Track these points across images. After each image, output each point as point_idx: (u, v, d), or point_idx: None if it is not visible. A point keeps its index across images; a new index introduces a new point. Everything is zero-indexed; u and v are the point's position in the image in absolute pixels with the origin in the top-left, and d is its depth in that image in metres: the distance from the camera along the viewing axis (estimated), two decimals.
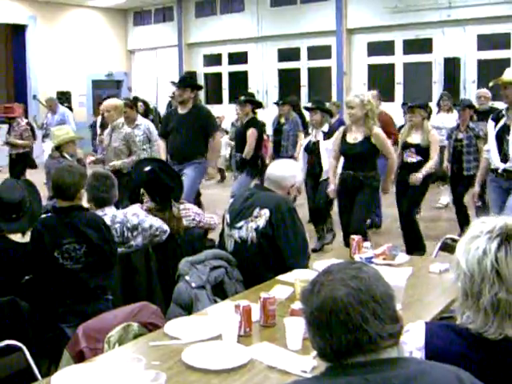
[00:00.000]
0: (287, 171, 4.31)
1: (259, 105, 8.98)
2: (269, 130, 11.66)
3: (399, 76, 15.61)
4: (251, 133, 8.53)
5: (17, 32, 20.02)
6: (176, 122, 7.44)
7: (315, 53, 17.10)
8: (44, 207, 4.84)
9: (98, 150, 10.61)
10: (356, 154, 6.38)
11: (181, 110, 7.40)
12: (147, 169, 5.03)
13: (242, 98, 8.87)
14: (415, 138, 7.21)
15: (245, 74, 18.66)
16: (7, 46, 21.77)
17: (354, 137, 6.39)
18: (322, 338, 1.76)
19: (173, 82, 7.56)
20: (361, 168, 6.37)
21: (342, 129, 6.71)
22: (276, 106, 11.15)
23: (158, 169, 5.03)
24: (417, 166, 7.04)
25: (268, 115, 12.63)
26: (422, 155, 7.13)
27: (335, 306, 1.73)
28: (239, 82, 18.72)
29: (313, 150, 7.83)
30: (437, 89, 14.62)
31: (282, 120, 10.63)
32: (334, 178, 6.79)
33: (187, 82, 7.49)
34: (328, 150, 7.47)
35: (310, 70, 17.34)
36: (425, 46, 15.20)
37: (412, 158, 7.15)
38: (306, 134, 8.16)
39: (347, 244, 6.07)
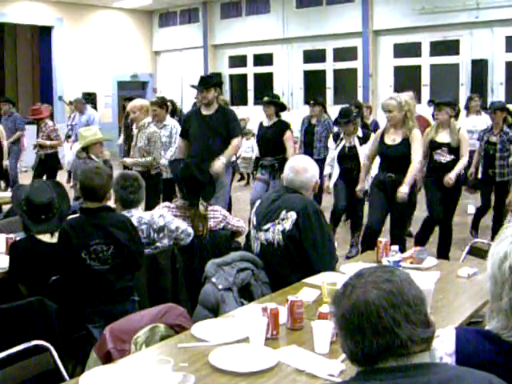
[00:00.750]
0: (309, 171, 4.27)
1: (283, 107, 8.80)
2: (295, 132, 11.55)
3: (426, 78, 15.50)
4: (289, 136, 8.34)
5: (43, 33, 20.16)
6: (199, 123, 7.19)
7: (341, 54, 17.04)
8: (71, 208, 4.88)
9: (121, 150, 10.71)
10: (395, 155, 6.32)
11: (205, 111, 7.15)
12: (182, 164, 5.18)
13: (266, 98, 8.69)
14: (444, 137, 7.04)
15: (270, 75, 18.65)
16: (33, 48, 21.95)
17: (393, 138, 6.36)
18: (353, 341, 1.75)
19: (193, 86, 7.35)
20: (400, 170, 6.29)
21: (380, 130, 6.68)
22: (307, 106, 11.02)
23: (192, 164, 5.17)
24: (450, 167, 6.85)
25: (293, 117, 12.60)
26: (454, 154, 6.97)
27: (367, 309, 1.71)
28: (264, 83, 18.71)
29: (349, 156, 7.72)
30: (464, 91, 14.51)
31: (314, 121, 10.53)
32: (366, 178, 6.77)
33: (209, 82, 7.20)
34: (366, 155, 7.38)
35: (336, 72, 17.28)
36: (452, 47, 15.08)
37: (445, 158, 6.96)
38: (337, 138, 8.01)
39: (368, 246, 6.08)
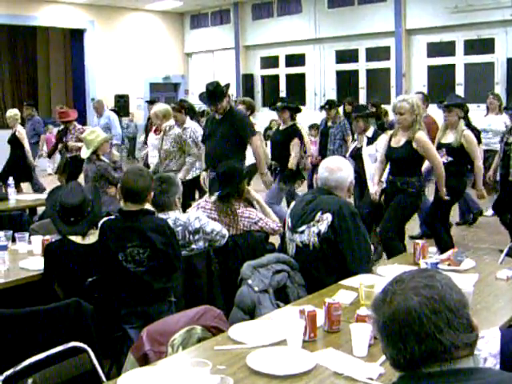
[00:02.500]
0: (343, 171, 4.24)
1: (297, 110, 8.79)
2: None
3: (460, 77, 15.32)
4: (295, 142, 8.34)
5: (75, 36, 20.37)
6: (212, 127, 7.25)
7: (374, 54, 16.94)
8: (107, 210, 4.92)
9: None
10: (396, 158, 6.20)
11: (217, 115, 7.18)
12: None
13: (279, 104, 8.70)
14: (448, 138, 6.99)
15: (302, 76, 18.60)
16: (66, 50, 22.17)
17: (398, 140, 6.19)
18: (394, 347, 1.73)
19: (202, 100, 7.30)
20: (401, 173, 6.15)
21: (390, 132, 6.54)
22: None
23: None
24: (447, 168, 6.55)
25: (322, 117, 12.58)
26: (453, 156, 6.89)
27: (408, 316, 1.69)
28: (296, 84, 18.69)
29: (358, 156, 7.60)
30: (499, 90, 14.29)
31: (330, 123, 10.55)
32: (379, 181, 6.62)
33: (216, 95, 7.04)
34: (371, 156, 7.33)
35: (369, 72, 17.18)
36: (487, 46, 14.88)
37: (442, 159, 6.70)
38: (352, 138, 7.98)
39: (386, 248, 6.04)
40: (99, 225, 4.26)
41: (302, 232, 4.10)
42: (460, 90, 15.08)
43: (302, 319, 2.91)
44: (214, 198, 5.03)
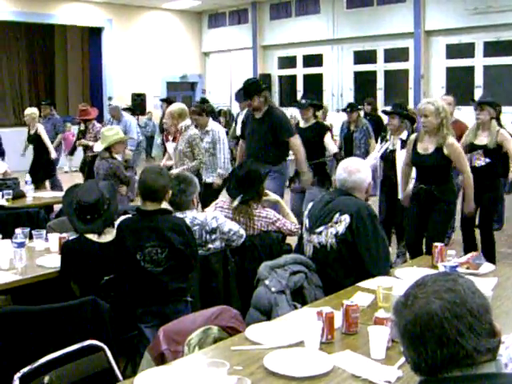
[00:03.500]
0: (361, 173, 4.21)
1: (320, 107, 8.75)
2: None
3: (479, 79, 15.21)
4: (329, 137, 8.21)
5: (93, 34, 20.42)
6: (251, 126, 7.29)
7: (392, 55, 16.88)
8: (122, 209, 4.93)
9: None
10: (428, 166, 5.89)
11: (256, 115, 7.22)
12: None
13: (304, 101, 8.64)
14: (483, 139, 6.70)
15: (320, 76, 18.56)
16: (83, 49, 22.26)
17: (426, 147, 5.87)
18: (415, 351, 1.71)
19: (237, 99, 7.37)
20: (434, 181, 5.88)
21: (413, 137, 6.19)
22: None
23: (246, 161, 5.40)
24: (485, 170, 6.50)
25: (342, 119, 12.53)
26: (490, 157, 6.63)
27: (430, 321, 1.67)
28: (314, 84, 18.65)
29: (389, 159, 7.36)
30: None
31: (352, 127, 10.42)
32: (407, 185, 6.38)
33: (249, 91, 7.16)
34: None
35: (387, 73, 17.11)
36: (507, 48, 14.77)
37: (480, 161, 6.61)
38: (383, 139, 7.75)
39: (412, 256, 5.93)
40: (116, 224, 4.27)
41: (320, 233, 4.08)
42: (479, 93, 14.96)
43: (319, 321, 2.89)
44: (236, 202, 4.98)
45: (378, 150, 7.78)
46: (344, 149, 10.32)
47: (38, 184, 9.87)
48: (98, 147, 7.08)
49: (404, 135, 7.26)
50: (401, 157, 6.92)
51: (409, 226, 6.30)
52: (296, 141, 7.18)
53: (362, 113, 11.14)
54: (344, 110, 10.87)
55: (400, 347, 2.69)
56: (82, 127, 10.97)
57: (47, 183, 10.94)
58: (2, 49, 21.55)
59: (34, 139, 10.95)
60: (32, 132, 11.05)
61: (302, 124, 8.31)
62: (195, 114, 8.31)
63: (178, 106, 8.03)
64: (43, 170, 10.78)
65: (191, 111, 8.40)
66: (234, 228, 4.71)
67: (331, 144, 8.18)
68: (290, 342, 2.87)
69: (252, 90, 7.13)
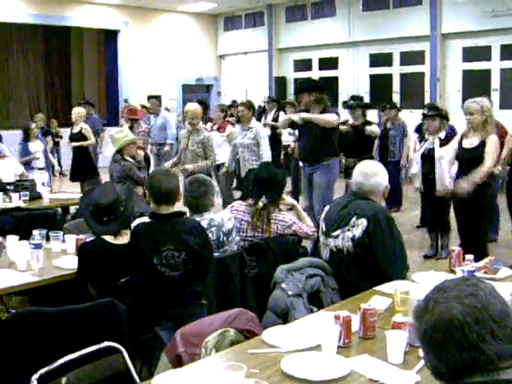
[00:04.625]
0: (378, 176, 4.19)
1: (369, 107, 8.91)
2: None
3: (495, 82, 15.12)
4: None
5: (109, 37, 20.48)
6: (305, 125, 7.51)
7: (408, 58, 16.79)
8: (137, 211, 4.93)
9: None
10: (471, 159, 6.22)
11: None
12: None
13: (352, 102, 8.81)
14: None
15: (335, 79, 18.51)
16: (99, 51, 22.32)
17: (471, 142, 6.26)
18: (436, 357, 1.70)
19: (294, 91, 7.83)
20: None
21: (460, 133, 6.60)
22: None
23: (262, 164, 5.55)
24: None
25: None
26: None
27: (450, 325, 1.66)
28: (330, 87, 18.59)
29: (428, 157, 7.64)
30: None
31: (389, 125, 10.59)
32: (449, 180, 6.68)
33: (299, 88, 7.59)
34: (439, 158, 7.30)
35: (403, 76, 17.04)
36: None
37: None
38: (422, 139, 7.96)
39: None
40: (132, 229, 4.26)
41: (337, 236, 4.07)
42: (495, 96, 14.91)
43: (336, 324, 2.88)
44: (261, 204, 4.99)
45: (418, 149, 8.04)
46: (379, 144, 10.51)
47: (82, 184, 9.98)
48: (110, 151, 7.12)
49: (442, 134, 7.66)
50: (439, 153, 7.33)
51: (457, 220, 6.68)
52: (333, 115, 7.39)
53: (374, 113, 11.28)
54: (382, 108, 11.04)
55: (418, 352, 2.70)
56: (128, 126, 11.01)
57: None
58: (19, 51, 21.68)
59: (77, 138, 11.00)
60: (76, 131, 11.15)
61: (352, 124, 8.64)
62: (244, 106, 8.64)
63: (198, 105, 8.38)
64: (85, 169, 10.87)
65: (241, 103, 8.72)
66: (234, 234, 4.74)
67: (372, 127, 8.72)
68: (307, 346, 2.87)
69: (302, 87, 7.57)
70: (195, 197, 4.56)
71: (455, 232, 7.76)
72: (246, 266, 4.62)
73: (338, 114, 7.64)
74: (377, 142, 10.32)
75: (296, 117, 7.39)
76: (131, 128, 10.43)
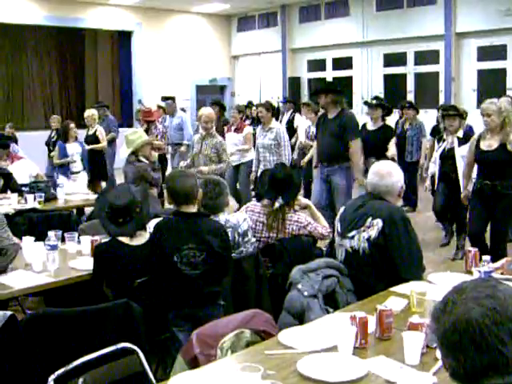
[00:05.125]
0: (393, 177, 4.17)
1: (390, 111, 8.88)
2: None
3: (511, 82, 15.03)
4: (394, 143, 8.63)
5: (123, 38, 20.51)
6: (323, 125, 7.65)
7: (422, 58, 16.71)
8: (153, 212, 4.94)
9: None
10: (492, 161, 6.21)
11: (329, 115, 7.57)
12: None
13: (374, 101, 8.78)
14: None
15: (349, 79, 18.46)
16: (113, 52, 22.39)
17: (489, 144, 6.23)
18: (454, 358, 1.69)
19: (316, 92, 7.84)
20: (498, 177, 6.20)
21: (476, 135, 6.55)
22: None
23: (277, 165, 5.44)
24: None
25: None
26: None
27: (469, 327, 1.65)
28: (343, 87, 18.49)
29: (448, 157, 7.63)
30: None
31: (407, 125, 10.58)
32: (468, 184, 6.69)
33: (318, 90, 7.67)
34: (464, 157, 7.30)
35: (417, 76, 16.97)
36: None
37: None
38: (440, 139, 7.96)
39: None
40: (152, 226, 4.28)
41: (352, 237, 4.05)
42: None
43: (353, 325, 2.87)
44: (277, 204, 5.00)
45: (436, 150, 8.02)
46: (396, 145, 10.44)
47: (93, 185, 9.98)
48: (124, 152, 7.13)
49: (460, 133, 7.67)
50: (460, 152, 7.37)
51: (472, 222, 6.61)
52: (355, 145, 7.41)
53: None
54: (402, 107, 10.99)
55: (435, 353, 2.69)
56: (144, 128, 11.00)
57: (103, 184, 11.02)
58: (33, 52, 21.78)
59: (92, 140, 11.00)
60: (91, 133, 11.18)
61: (369, 126, 8.60)
62: (263, 107, 8.70)
63: (210, 109, 8.47)
64: (98, 170, 10.91)
65: (259, 104, 8.77)
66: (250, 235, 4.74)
67: (392, 148, 8.55)
68: (323, 347, 2.86)
69: (321, 89, 7.66)
70: (210, 197, 4.56)
71: None
72: (261, 266, 4.61)
73: (357, 125, 7.70)
74: (393, 140, 10.32)
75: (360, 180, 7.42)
76: (147, 130, 10.43)
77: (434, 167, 7.98)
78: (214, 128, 8.11)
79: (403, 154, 10.33)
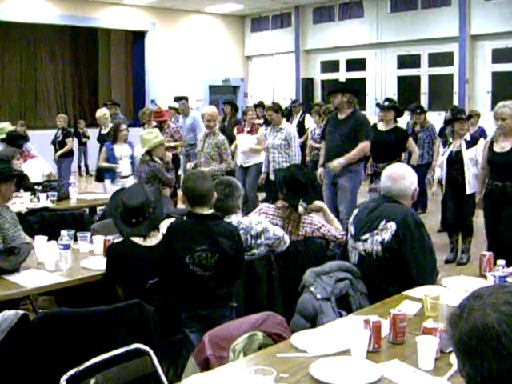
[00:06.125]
0: (407, 179, 4.14)
1: (401, 113, 8.85)
2: None
3: None
4: (411, 141, 8.65)
5: (136, 38, 20.56)
6: (333, 126, 7.55)
7: (436, 60, 16.66)
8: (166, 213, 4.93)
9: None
10: (504, 163, 6.23)
11: (339, 116, 7.48)
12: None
13: (386, 103, 8.76)
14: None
15: (363, 80, 18.41)
16: (127, 52, 22.46)
17: (502, 146, 6.25)
18: (471, 365, 1.66)
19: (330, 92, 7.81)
20: (508, 178, 6.23)
21: (489, 138, 6.58)
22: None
23: (294, 167, 5.37)
24: None
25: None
26: None
27: (486, 333, 1.62)
28: (357, 88, 18.46)
29: (455, 160, 7.58)
30: None
31: (417, 128, 10.55)
32: (482, 188, 6.68)
33: (334, 89, 7.57)
34: (471, 160, 7.37)
35: (431, 78, 16.91)
36: None
37: None
38: (446, 143, 7.93)
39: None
40: (164, 227, 4.27)
41: (366, 240, 4.03)
42: None
43: (366, 329, 2.85)
44: (301, 208, 4.99)
45: (442, 154, 7.94)
46: None
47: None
48: (139, 152, 7.13)
49: (467, 136, 7.64)
50: (468, 155, 7.39)
51: (487, 225, 6.65)
52: (365, 146, 7.34)
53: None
54: (413, 111, 10.95)
55: (449, 358, 2.67)
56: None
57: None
58: (47, 52, 21.89)
59: (106, 140, 10.31)
60: (104, 132, 11.07)
61: (380, 126, 8.55)
62: (272, 110, 8.62)
63: (214, 108, 8.45)
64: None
65: (268, 107, 8.76)
66: (278, 233, 4.68)
67: (416, 148, 8.69)
68: (336, 350, 2.84)
69: (337, 88, 7.58)
70: (219, 199, 4.55)
71: (477, 237, 7.85)
72: (273, 268, 4.59)
73: (369, 126, 7.67)
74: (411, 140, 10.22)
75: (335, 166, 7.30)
76: (160, 130, 10.39)
77: (440, 172, 7.90)
78: (218, 126, 8.11)
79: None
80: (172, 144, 10.28)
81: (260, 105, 14.61)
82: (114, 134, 9.07)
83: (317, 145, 10.79)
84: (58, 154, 12.80)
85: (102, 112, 11.33)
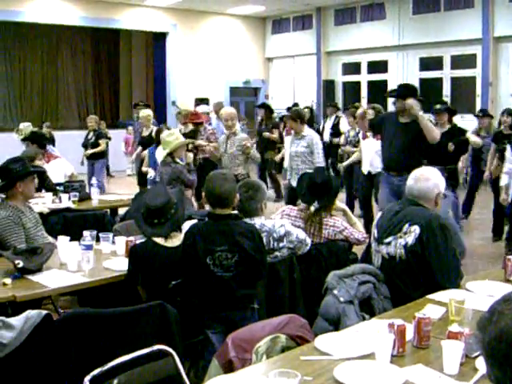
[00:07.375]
0: (429, 181, 4.09)
1: (454, 113, 8.78)
2: None
3: None
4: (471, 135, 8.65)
5: (158, 39, 20.63)
6: (394, 129, 7.21)
7: (459, 62, 16.57)
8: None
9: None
10: None
11: (402, 119, 7.16)
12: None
13: (439, 106, 8.66)
14: None
15: (384, 82, 18.34)
16: (148, 53, 22.55)
17: None
18: (500, 369, 1.64)
19: (391, 94, 7.62)
20: None
21: None
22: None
23: (315, 169, 5.46)
24: None
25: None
26: None
27: None
28: (378, 91, 18.42)
29: None
30: None
31: (482, 133, 10.27)
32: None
33: (404, 93, 7.23)
34: None
35: (453, 80, 16.82)
36: None
37: None
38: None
39: None
40: (185, 228, 4.27)
41: (389, 243, 4.00)
42: None
43: (391, 333, 2.82)
44: (312, 208, 4.98)
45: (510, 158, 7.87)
46: (471, 155, 10.19)
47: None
48: (160, 154, 7.14)
49: None
50: None
51: None
52: (438, 133, 7.09)
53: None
54: (476, 115, 10.81)
55: (474, 363, 2.64)
56: (186, 130, 10.88)
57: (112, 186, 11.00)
58: (69, 53, 22.04)
59: (149, 142, 10.29)
60: (146, 134, 10.89)
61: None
62: (289, 118, 8.49)
63: (232, 108, 8.44)
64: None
65: (287, 116, 8.65)
66: (301, 236, 4.67)
67: (476, 138, 8.88)
68: (360, 354, 2.82)
69: (407, 91, 7.21)
70: (241, 200, 4.53)
71: None
72: (296, 270, 4.58)
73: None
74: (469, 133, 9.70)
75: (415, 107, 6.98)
76: (195, 132, 10.27)
77: (507, 178, 7.70)
78: (238, 126, 8.09)
79: (480, 162, 9.94)
80: (206, 148, 10.17)
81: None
82: (158, 137, 8.93)
83: (354, 149, 10.52)
84: (89, 152, 12.30)
85: (146, 113, 11.06)
